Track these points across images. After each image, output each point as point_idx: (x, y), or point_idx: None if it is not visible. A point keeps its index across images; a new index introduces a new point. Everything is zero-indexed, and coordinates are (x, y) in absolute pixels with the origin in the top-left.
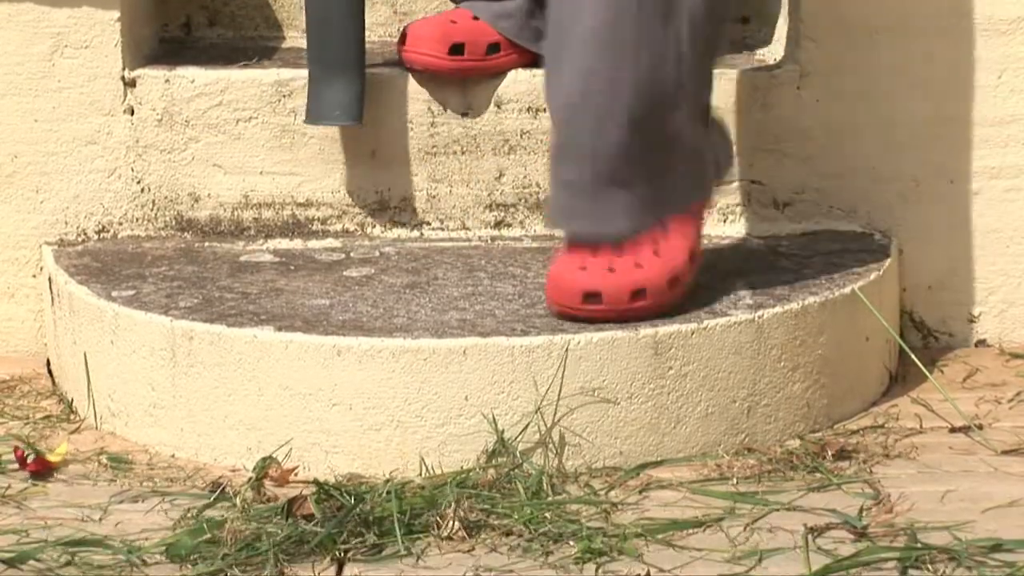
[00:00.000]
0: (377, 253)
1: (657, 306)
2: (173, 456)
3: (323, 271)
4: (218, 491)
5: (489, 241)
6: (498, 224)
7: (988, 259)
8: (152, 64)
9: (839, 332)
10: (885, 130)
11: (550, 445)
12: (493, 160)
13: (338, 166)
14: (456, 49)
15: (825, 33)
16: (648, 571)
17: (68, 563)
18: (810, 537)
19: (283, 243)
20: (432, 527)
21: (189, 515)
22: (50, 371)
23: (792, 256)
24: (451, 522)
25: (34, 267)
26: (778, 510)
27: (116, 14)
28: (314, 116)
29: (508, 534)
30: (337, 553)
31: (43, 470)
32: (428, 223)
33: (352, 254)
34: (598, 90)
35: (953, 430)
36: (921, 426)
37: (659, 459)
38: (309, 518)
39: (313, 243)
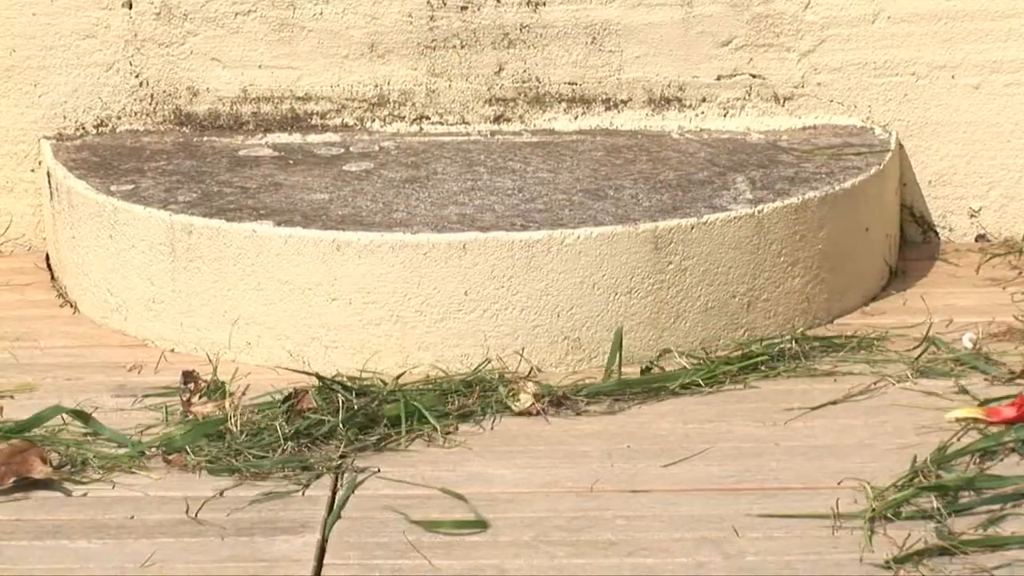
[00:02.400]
0: (376, 147)
1: None
2: (172, 351)
3: (322, 165)
4: (189, 383)
5: (488, 135)
6: (497, 118)
7: (988, 153)
8: None
9: (839, 227)
10: (886, 24)
11: (555, 342)
12: (493, 54)
13: (337, 60)
14: None
15: None
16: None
17: (83, 462)
18: None
19: (282, 137)
20: (438, 422)
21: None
22: (49, 265)
23: (792, 151)
24: (454, 417)
25: (32, 161)
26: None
27: None
28: None
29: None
30: (344, 446)
31: None
32: (427, 117)
33: (351, 148)
34: None
35: None
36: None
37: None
38: (311, 411)
39: (312, 137)
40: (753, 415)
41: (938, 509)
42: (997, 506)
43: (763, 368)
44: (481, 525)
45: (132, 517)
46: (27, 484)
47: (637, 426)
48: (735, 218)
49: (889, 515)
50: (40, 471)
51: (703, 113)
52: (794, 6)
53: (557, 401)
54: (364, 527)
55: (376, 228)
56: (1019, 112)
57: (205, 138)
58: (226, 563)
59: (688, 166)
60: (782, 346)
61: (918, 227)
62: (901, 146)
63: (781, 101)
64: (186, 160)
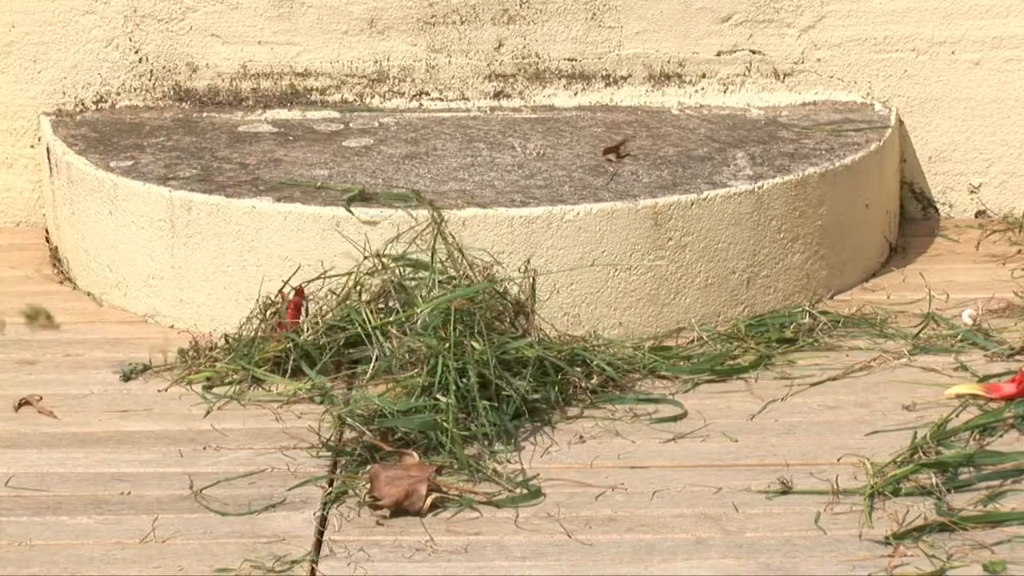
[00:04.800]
0: (376, 123)
1: None
2: (172, 327)
3: (322, 141)
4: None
5: (488, 111)
6: (497, 95)
7: (989, 130)
8: None
9: (839, 203)
10: (886, 0)
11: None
12: (492, 30)
13: (337, 35)
14: None
15: None
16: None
17: None
18: None
19: (282, 113)
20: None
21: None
22: (48, 241)
23: (792, 127)
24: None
25: (32, 137)
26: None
27: None
28: None
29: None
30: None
31: None
32: (427, 93)
33: (351, 124)
34: None
35: None
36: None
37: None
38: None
39: (312, 113)
40: (752, 391)
41: (938, 485)
42: (997, 482)
43: (769, 346)
44: (537, 495)
45: (129, 493)
46: (24, 452)
47: (636, 402)
48: (735, 194)
49: (888, 491)
50: (423, 504)
51: (703, 89)
52: None
53: None
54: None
55: (376, 203)
56: (1019, 88)
57: (205, 114)
58: (226, 539)
59: (688, 142)
60: (784, 322)
61: (918, 203)
62: (901, 122)
63: (781, 77)
64: (186, 136)
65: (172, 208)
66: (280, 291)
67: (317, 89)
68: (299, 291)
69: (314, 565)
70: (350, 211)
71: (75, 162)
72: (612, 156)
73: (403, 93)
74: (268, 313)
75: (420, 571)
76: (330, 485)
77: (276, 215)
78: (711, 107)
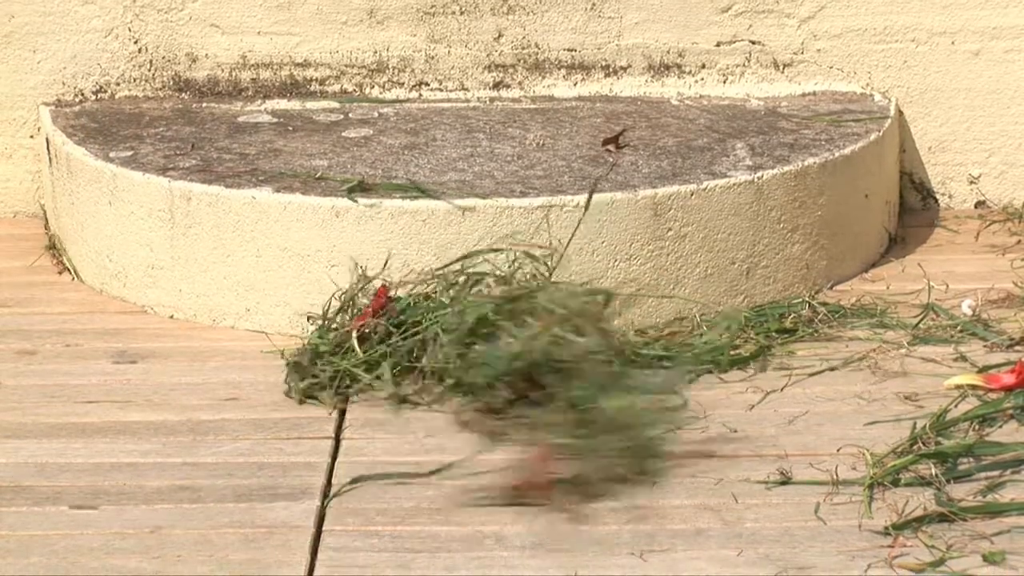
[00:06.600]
0: (375, 114)
1: None
2: (172, 317)
3: (321, 132)
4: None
5: (488, 102)
6: (497, 85)
7: (988, 120)
8: None
9: (838, 193)
10: None
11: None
12: (492, 20)
13: (336, 26)
14: None
15: None
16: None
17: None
18: None
19: (281, 103)
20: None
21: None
22: (48, 231)
23: (792, 117)
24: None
25: (31, 127)
26: None
27: None
28: None
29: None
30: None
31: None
32: (427, 84)
33: (350, 115)
34: None
35: None
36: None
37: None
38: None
39: (311, 104)
40: (752, 381)
41: (937, 476)
42: (996, 472)
43: (768, 336)
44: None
45: (128, 483)
46: (24, 442)
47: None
48: (734, 184)
49: (888, 482)
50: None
51: (702, 79)
52: None
53: None
54: (364, 493)
55: (375, 194)
56: (1019, 78)
57: (204, 104)
58: (225, 529)
59: (687, 132)
60: (784, 313)
61: (917, 194)
62: (901, 113)
63: (781, 67)
64: (185, 126)
65: (171, 198)
66: (377, 286)
67: (316, 79)
68: (383, 290)
69: (314, 556)
70: (406, 193)
71: (74, 152)
72: (611, 146)
73: (403, 83)
74: (349, 306)
75: (419, 562)
76: (331, 474)
77: (276, 205)
78: (711, 97)
